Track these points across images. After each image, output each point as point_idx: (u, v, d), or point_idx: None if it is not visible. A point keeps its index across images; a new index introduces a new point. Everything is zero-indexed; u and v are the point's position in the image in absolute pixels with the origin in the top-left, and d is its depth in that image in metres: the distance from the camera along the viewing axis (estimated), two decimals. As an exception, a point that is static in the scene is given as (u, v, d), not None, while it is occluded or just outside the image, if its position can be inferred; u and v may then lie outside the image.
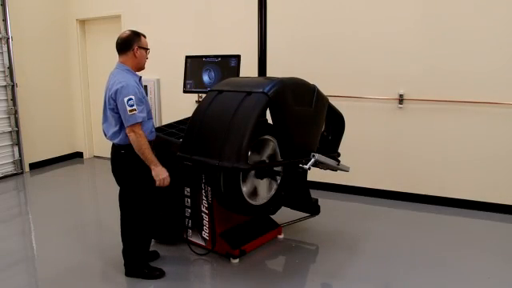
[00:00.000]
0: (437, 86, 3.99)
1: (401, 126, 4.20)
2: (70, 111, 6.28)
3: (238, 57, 3.37)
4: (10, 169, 5.48)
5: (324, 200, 3.78)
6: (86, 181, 5.66)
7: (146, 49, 2.72)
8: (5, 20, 5.22)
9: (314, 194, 3.57)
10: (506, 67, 3.72)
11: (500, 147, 3.85)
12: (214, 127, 2.65)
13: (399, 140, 4.24)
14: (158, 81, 5.49)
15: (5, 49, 5.28)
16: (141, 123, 2.54)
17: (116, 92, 2.51)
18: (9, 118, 5.42)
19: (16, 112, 5.43)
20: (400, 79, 4.12)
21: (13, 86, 5.37)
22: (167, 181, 2.66)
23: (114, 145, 2.69)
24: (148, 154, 2.57)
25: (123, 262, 2.90)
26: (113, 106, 2.56)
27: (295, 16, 4.49)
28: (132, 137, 2.53)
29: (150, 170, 2.62)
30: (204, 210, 3.09)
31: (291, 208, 3.57)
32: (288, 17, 4.51)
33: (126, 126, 2.53)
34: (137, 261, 2.85)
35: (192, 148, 2.72)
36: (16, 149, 5.50)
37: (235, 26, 4.78)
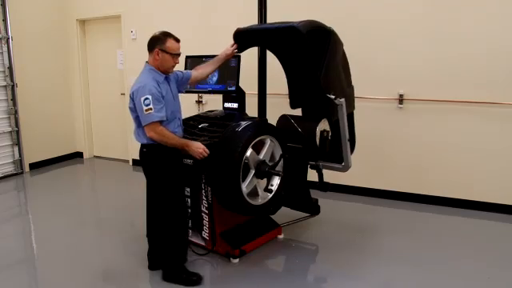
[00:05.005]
0: (437, 85, 3.99)
1: (401, 126, 4.20)
2: (70, 111, 6.28)
3: (237, 57, 3.37)
4: (10, 169, 5.48)
5: (324, 200, 3.78)
6: (86, 181, 5.67)
7: (171, 53, 2.61)
8: (5, 20, 5.22)
9: (314, 194, 3.57)
10: (506, 67, 3.72)
11: (500, 147, 3.85)
12: None
13: (399, 140, 4.23)
14: (158, 81, 5.49)
15: (5, 49, 5.28)
16: (159, 122, 2.53)
17: (134, 93, 2.54)
18: (9, 117, 5.42)
19: (16, 112, 5.43)
20: (400, 79, 4.12)
21: (13, 86, 5.36)
22: (205, 152, 2.67)
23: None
24: (176, 142, 2.61)
25: (146, 263, 2.88)
26: (131, 105, 2.60)
27: (295, 16, 4.47)
28: (154, 137, 2.54)
29: (174, 167, 2.66)
30: (204, 210, 3.09)
31: (291, 208, 3.57)
32: (288, 17, 4.49)
33: (143, 125, 2.54)
34: (174, 264, 2.78)
35: None
36: (16, 149, 5.50)
37: (235, 26, 4.77)
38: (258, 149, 2.89)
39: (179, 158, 2.76)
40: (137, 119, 2.61)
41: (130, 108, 2.64)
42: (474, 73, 3.83)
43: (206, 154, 2.67)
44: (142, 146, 2.68)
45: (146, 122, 2.52)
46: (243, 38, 3.08)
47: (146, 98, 2.48)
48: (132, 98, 2.57)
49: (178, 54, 2.67)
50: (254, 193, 2.92)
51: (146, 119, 2.51)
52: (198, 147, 2.65)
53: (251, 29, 3.11)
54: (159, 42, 2.59)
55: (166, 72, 2.66)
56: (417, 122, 4.13)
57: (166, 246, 2.78)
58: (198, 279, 2.77)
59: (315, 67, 2.87)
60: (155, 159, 2.65)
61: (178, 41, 2.65)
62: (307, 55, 2.86)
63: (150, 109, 2.48)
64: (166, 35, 2.62)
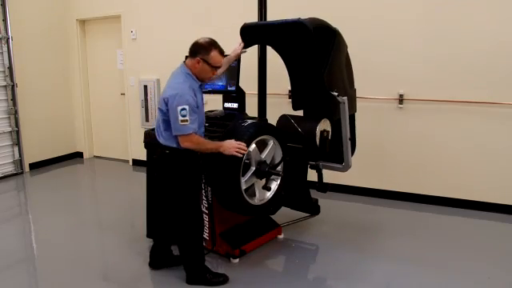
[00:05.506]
0: (437, 85, 3.99)
1: (401, 126, 4.20)
2: (70, 111, 6.28)
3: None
4: (10, 169, 5.48)
5: (324, 200, 3.78)
6: (86, 181, 5.66)
7: (212, 66, 2.53)
8: (5, 20, 5.22)
9: (314, 194, 3.57)
10: (506, 67, 3.72)
11: (500, 147, 3.85)
12: None
13: (399, 140, 4.23)
14: (158, 81, 5.48)
15: (5, 49, 5.28)
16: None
17: (169, 98, 2.45)
18: (9, 117, 5.42)
19: (16, 112, 5.43)
20: (400, 79, 4.12)
21: (13, 86, 5.36)
22: (241, 146, 2.57)
23: (158, 143, 2.64)
24: (212, 146, 2.56)
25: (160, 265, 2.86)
26: (161, 107, 2.52)
27: (295, 15, 4.48)
28: (190, 146, 2.49)
29: (196, 170, 2.63)
30: (204, 210, 3.08)
31: (291, 208, 3.57)
32: (288, 16, 4.50)
33: (174, 134, 2.48)
34: (197, 265, 2.73)
35: None
36: (16, 149, 5.50)
37: (235, 26, 4.77)
38: (259, 149, 2.89)
39: (198, 161, 2.68)
40: (165, 122, 2.53)
41: (159, 109, 2.55)
42: (474, 73, 3.83)
43: (244, 148, 2.57)
44: (165, 147, 2.58)
45: (179, 132, 2.45)
46: (249, 33, 3.10)
47: (183, 109, 2.40)
48: (165, 102, 2.48)
49: (219, 67, 2.60)
50: (253, 193, 2.92)
51: (180, 129, 2.44)
52: (230, 145, 2.56)
53: (258, 24, 3.13)
54: (203, 51, 2.51)
55: (201, 81, 2.60)
56: (417, 122, 4.13)
57: (185, 248, 2.74)
58: (224, 280, 2.74)
59: (319, 64, 2.88)
60: (178, 163, 2.58)
61: (222, 53, 2.57)
62: (312, 52, 2.86)
63: (186, 120, 2.41)
64: (211, 45, 2.53)
